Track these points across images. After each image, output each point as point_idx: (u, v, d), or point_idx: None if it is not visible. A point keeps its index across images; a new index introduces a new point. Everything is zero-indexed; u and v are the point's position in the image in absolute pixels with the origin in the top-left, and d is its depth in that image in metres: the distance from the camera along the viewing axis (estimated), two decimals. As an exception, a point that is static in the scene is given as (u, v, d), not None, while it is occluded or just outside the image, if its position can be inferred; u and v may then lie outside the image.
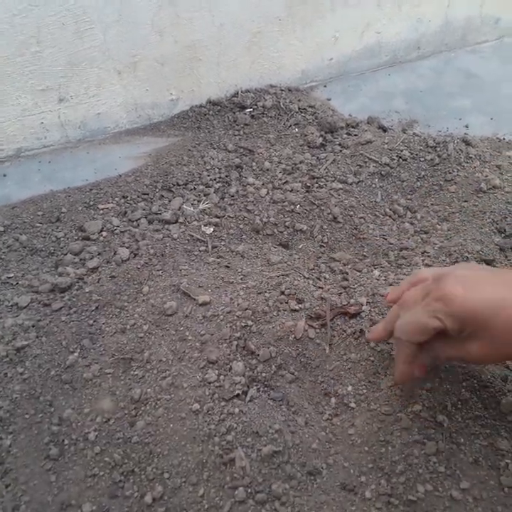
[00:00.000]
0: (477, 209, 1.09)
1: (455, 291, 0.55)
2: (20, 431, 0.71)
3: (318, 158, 1.24)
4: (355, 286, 0.87)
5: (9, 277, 0.95)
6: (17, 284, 0.93)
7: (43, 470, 0.68)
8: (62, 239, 1.04)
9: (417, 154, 1.23)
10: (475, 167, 1.19)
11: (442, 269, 0.61)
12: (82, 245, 1.01)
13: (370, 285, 0.86)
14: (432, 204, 1.14)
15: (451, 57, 1.83)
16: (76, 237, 1.05)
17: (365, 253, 1.02)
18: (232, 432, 0.67)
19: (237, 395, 0.71)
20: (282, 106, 1.44)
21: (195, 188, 1.17)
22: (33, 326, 0.84)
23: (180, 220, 1.07)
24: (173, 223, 1.07)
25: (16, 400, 0.74)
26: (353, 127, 1.36)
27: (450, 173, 1.18)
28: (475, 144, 1.26)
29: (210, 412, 0.69)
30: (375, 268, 0.95)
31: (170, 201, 1.13)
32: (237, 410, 0.69)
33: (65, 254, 1.00)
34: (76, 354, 0.80)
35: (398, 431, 0.67)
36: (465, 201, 1.12)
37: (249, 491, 0.63)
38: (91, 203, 1.13)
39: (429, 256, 0.97)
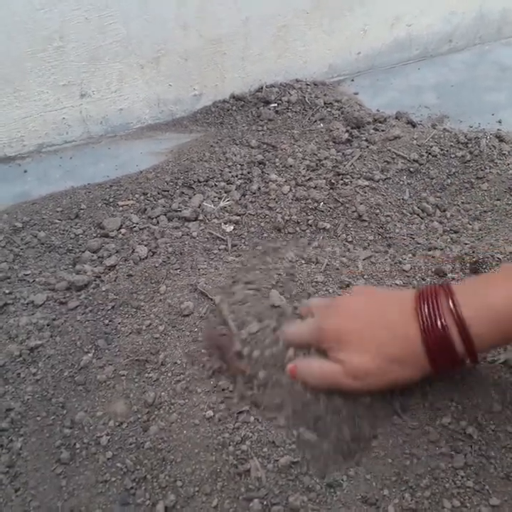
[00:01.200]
0: (510, 208, 1.04)
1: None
2: (32, 433, 0.69)
3: (343, 154, 1.20)
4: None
5: (26, 274, 0.93)
6: (34, 281, 0.92)
7: (53, 474, 0.66)
8: (80, 236, 1.03)
9: (447, 150, 1.18)
10: (508, 164, 1.13)
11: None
12: (101, 242, 1.00)
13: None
14: (462, 202, 1.09)
15: (485, 51, 1.76)
16: (95, 234, 1.03)
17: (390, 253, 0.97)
18: (246, 441, 0.64)
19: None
20: (307, 101, 1.40)
21: (216, 185, 1.14)
22: (48, 325, 0.82)
23: (200, 217, 1.05)
24: (193, 221, 1.04)
25: (27, 401, 0.72)
26: (380, 122, 1.31)
27: (482, 170, 1.13)
28: (509, 139, 1.20)
29: (223, 421, 0.66)
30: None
31: (190, 198, 1.10)
32: (252, 418, 0.66)
33: (83, 252, 0.98)
34: (90, 355, 0.78)
35: (425, 444, 0.63)
36: (497, 200, 1.07)
37: (265, 502, 0.60)
38: (111, 199, 1.11)
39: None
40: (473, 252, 0.93)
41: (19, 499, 0.63)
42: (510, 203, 1.05)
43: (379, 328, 0.60)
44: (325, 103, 1.41)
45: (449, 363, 0.58)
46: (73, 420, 0.70)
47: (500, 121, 1.39)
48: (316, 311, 0.68)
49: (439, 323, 0.56)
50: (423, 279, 0.87)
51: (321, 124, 1.33)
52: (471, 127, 1.36)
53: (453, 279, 0.88)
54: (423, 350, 0.57)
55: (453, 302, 0.56)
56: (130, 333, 0.81)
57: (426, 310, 0.57)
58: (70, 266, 0.96)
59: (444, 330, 0.56)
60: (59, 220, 1.07)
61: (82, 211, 1.09)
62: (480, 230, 1.01)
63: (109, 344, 0.79)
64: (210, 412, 0.67)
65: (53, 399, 0.72)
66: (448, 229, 1.03)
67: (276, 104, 1.41)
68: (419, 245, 0.98)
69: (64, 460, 0.66)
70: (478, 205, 1.08)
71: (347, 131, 1.27)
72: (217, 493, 0.62)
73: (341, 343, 0.61)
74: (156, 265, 0.92)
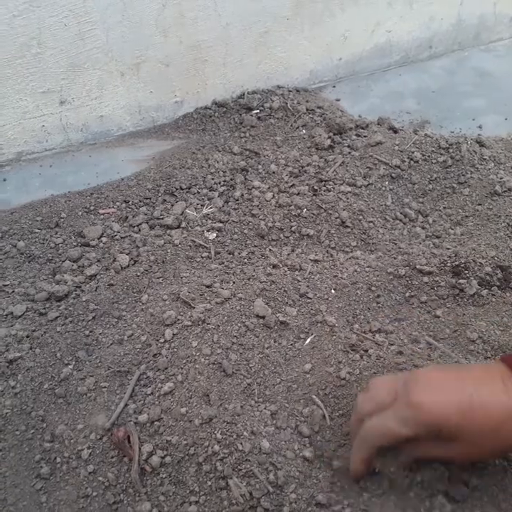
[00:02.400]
0: (492, 212, 1.04)
1: (422, 397, 0.53)
2: (10, 448, 0.68)
3: (326, 160, 1.19)
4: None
5: (5, 285, 0.92)
6: (13, 292, 0.90)
7: (33, 490, 0.64)
8: (60, 245, 1.01)
9: (429, 156, 1.19)
10: (489, 169, 1.14)
11: (404, 375, 0.58)
12: (81, 252, 0.98)
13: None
14: (444, 207, 1.10)
15: (465, 57, 1.78)
16: (75, 244, 1.02)
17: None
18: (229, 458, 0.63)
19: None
20: (290, 107, 1.40)
21: (198, 192, 1.13)
22: (27, 337, 0.81)
23: (183, 225, 1.04)
24: (175, 228, 1.03)
25: (6, 415, 0.70)
26: (362, 128, 1.32)
27: (463, 175, 1.14)
28: (489, 144, 1.21)
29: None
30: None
31: (172, 206, 1.09)
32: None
33: (63, 261, 0.97)
34: (71, 366, 0.76)
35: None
36: (479, 204, 1.08)
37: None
38: (91, 207, 1.10)
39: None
40: (456, 256, 0.93)
41: (-3, 517, 0.62)
42: (491, 207, 1.06)
43: (485, 405, 0.52)
44: (307, 109, 1.41)
45: None
46: (53, 434, 0.68)
47: (480, 127, 1.41)
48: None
49: None
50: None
51: (304, 131, 1.33)
52: (452, 132, 1.38)
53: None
54: None
55: None
56: (111, 343, 0.79)
57: None
58: (50, 276, 0.95)
59: None
60: (39, 229, 1.05)
61: (62, 220, 1.07)
62: (462, 234, 1.02)
63: (89, 355, 0.78)
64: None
65: (33, 412, 0.71)
66: (430, 234, 1.03)
67: (258, 111, 1.40)
68: (401, 250, 0.98)
69: (44, 475, 0.65)
70: (459, 210, 1.08)
71: (329, 137, 1.27)
72: (201, 507, 0.61)
73: (450, 433, 0.52)
74: (138, 274, 0.91)
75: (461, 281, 0.89)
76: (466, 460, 0.57)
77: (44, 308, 0.86)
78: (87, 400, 0.72)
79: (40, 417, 0.71)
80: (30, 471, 0.66)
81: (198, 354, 0.75)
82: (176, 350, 0.76)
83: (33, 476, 0.65)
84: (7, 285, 0.92)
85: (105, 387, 0.73)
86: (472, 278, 0.90)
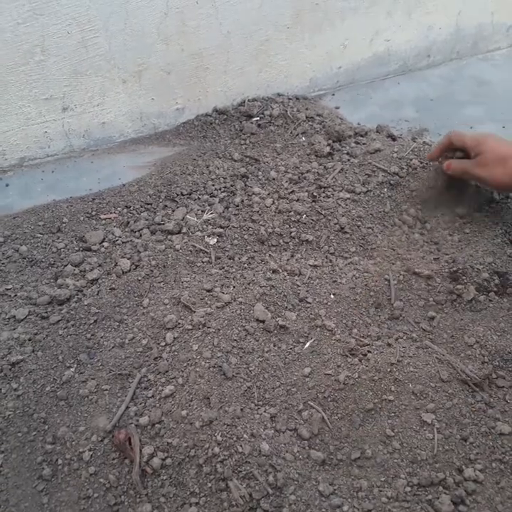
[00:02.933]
0: (489, 219, 1.06)
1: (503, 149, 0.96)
2: (13, 450, 0.68)
3: (325, 167, 1.21)
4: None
5: (7, 289, 0.93)
6: (15, 296, 0.91)
7: (35, 491, 0.65)
8: (62, 250, 1.02)
9: (427, 163, 1.20)
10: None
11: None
12: (83, 256, 0.99)
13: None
14: (442, 214, 1.11)
15: (462, 65, 1.80)
16: (77, 248, 1.03)
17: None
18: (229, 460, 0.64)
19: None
20: (289, 114, 1.42)
21: (199, 198, 1.14)
22: (30, 340, 0.81)
23: (184, 230, 1.05)
24: (176, 234, 1.04)
25: (8, 417, 0.71)
26: (361, 136, 1.33)
27: (461, 182, 1.15)
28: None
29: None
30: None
31: (173, 211, 1.10)
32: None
33: (65, 266, 0.98)
34: (72, 369, 0.77)
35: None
36: (476, 211, 1.09)
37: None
38: (93, 212, 1.11)
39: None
40: (454, 262, 0.94)
41: (0, 517, 0.63)
42: (488, 214, 1.07)
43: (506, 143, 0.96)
44: (307, 117, 1.42)
45: None
46: (55, 436, 0.69)
47: (478, 135, 1.42)
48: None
49: None
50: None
51: (303, 138, 1.34)
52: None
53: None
54: None
55: None
56: (113, 347, 0.80)
57: None
58: (52, 280, 0.96)
59: None
60: (41, 233, 1.06)
61: (64, 225, 1.08)
62: (460, 241, 1.03)
63: (91, 358, 0.79)
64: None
65: (35, 414, 0.72)
66: (428, 241, 1.04)
67: (258, 118, 1.42)
68: (399, 256, 0.99)
69: (46, 476, 0.66)
70: (457, 217, 1.09)
71: (328, 144, 1.28)
72: (201, 509, 0.61)
73: (481, 148, 0.97)
74: (139, 278, 0.92)
75: (458, 286, 0.90)
76: (491, 183, 0.99)
77: (46, 312, 0.87)
78: (89, 403, 0.73)
79: (42, 419, 0.71)
80: (32, 472, 0.67)
81: (198, 357, 0.76)
82: (176, 353, 0.77)
83: (34, 477, 0.66)
84: (9, 289, 0.93)
85: (107, 389, 0.74)
86: (470, 284, 0.91)
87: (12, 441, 0.69)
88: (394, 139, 1.33)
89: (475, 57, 1.84)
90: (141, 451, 0.65)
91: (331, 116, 1.46)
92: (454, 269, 0.93)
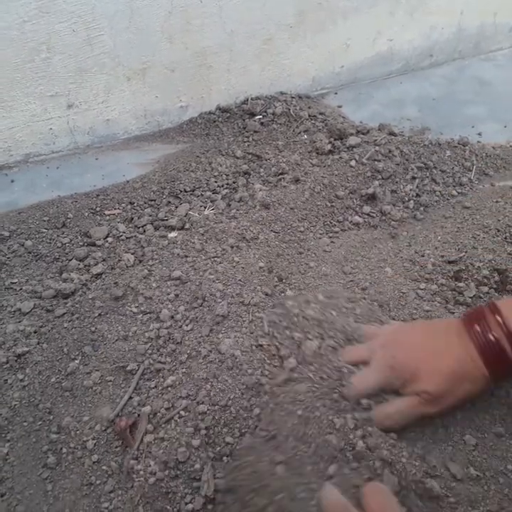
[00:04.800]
0: (490, 217, 1.07)
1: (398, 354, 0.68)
2: (18, 439, 0.70)
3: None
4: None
5: (13, 283, 0.94)
6: (20, 289, 0.93)
7: (39, 479, 0.66)
8: (67, 244, 1.03)
9: (428, 162, 1.21)
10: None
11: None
12: (87, 251, 1.01)
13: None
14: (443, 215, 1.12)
15: (465, 65, 1.81)
16: (81, 243, 1.04)
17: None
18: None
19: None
20: (292, 113, 1.43)
21: (202, 195, 1.16)
22: (35, 332, 0.83)
23: (187, 226, 1.06)
24: (179, 229, 1.06)
25: (15, 407, 0.73)
26: (363, 134, 1.34)
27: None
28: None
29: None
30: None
31: (176, 207, 1.12)
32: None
33: (70, 260, 0.99)
34: (77, 361, 0.79)
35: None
36: (477, 209, 1.10)
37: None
38: (97, 208, 1.13)
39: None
40: (456, 261, 0.95)
41: (5, 504, 0.64)
42: (490, 212, 1.08)
43: (441, 355, 0.66)
44: (309, 115, 1.43)
45: (506, 371, 0.64)
46: (60, 425, 0.71)
47: (480, 134, 1.43)
48: (374, 351, 0.70)
49: (491, 336, 0.63)
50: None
51: (305, 136, 1.35)
52: (452, 139, 1.40)
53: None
54: (482, 363, 0.63)
55: (501, 317, 0.64)
56: (116, 339, 0.82)
57: (478, 328, 0.65)
58: (57, 274, 0.97)
59: (497, 342, 0.63)
60: (46, 229, 1.07)
61: (68, 220, 1.10)
62: (461, 239, 1.04)
63: (95, 351, 0.80)
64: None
65: (40, 404, 0.73)
66: (432, 238, 1.05)
67: (261, 116, 1.43)
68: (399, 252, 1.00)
69: (50, 465, 0.67)
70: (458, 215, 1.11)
71: (330, 142, 1.29)
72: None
73: (414, 375, 0.66)
74: (143, 273, 0.93)
75: (459, 284, 0.91)
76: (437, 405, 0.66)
77: (51, 306, 0.89)
78: (93, 393, 0.74)
79: (47, 409, 0.73)
80: (37, 460, 0.68)
81: (199, 349, 0.77)
82: (179, 345, 0.79)
83: (39, 465, 0.68)
84: (15, 283, 0.94)
85: (110, 381, 0.75)
86: (470, 281, 0.92)
87: (18, 430, 0.70)
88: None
89: (477, 57, 1.85)
90: (142, 438, 0.67)
91: (334, 114, 1.47)
92: (456, 269, 0.94)
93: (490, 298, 0.90)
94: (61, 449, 0.69)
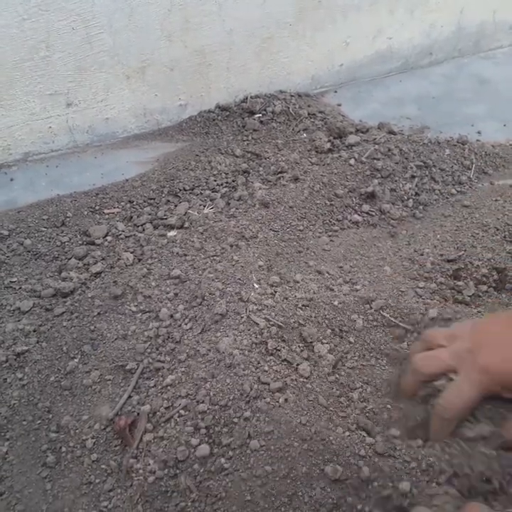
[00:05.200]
0: (489, 216, 1.07)
1: (492, 360, 0.59)
2: (18, 438, 0.70)
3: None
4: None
5: (12, 281, 0.94)
6: (20, 288, 0.93)
7: (39, 477, 0.67)
8: (66, 243, 1.03)
9: (427, 160, 1.21)
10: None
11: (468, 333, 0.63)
12: (87, 250, 1.01)
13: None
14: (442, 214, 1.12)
15: (464, 63, 1.81)
16: (80, 242, 1.04)
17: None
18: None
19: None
20: (291, 111, 1.43)
21: (201, 193, 1.16)
22: (34, 331, 0.83)
23: (186, 225, 1.06)
24: (179, 228, 1.06)
25: (14, 406, 0.73)
26: (363, 132, 1.34)
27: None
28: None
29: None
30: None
31: (176, 206, 1.12)
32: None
33: (69, 259, 0.99)
34: (76, 360, 0.79)
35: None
36: (476, 208, 1.10)
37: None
38: (97, 207, 1.13)
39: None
40: (455, 260, 0.95)
41: (4, 503, 0.64)
42: (489, 211, 1.08)
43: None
44: (309, 114, 1.43)
45: None
46: (59, 424, 0.71)
47: (479, 132, 1.43)
48: (461, 357, 0.62)
49: None
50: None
51: (305, 134, 1.35)
52: (452, 138, 1.40)
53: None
54: None
55: None
56: (116, 338, 0.82)
57: None
58: (56, 273, 0.97)
59: None
60: (45, 227, 1.07)
61: (68, 219, 1.10)
62: (460, 238, 1.04)
63: (95, 349, 0.80)
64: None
65: (39, 403, 0.73)
66: (431, 237, 1.05)
67: (260, 115, 1.43)
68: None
69: (50, 463, 0.67)
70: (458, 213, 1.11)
71: (329, 141, 1.29)
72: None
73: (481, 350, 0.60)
74: (142, 271, 0.93)
75: (459, 283, 0.91)
76: None
77: (50, 304, 0.89)
78: (92, 392, 0.74)
79: (47, 408, 0.73)
80: (36, 459, 0.68)
81: (198, 348, 0.77)
82: (178, 344, 0.79)
83: (39, 464, 0.68)
84: (14, 281, 0.94)
85: (110, 380, 0.75)
86: (469, 279, 0.92)
87: (17, 429, 0.70)
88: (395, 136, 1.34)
89: (477, 55, 1.85)
90: (142, 437, 0.67)
91: (333, 113, 1.47)
92: (456, 267, 0.94)
93: (489, 297, 0.90)
94: (60, 448, 0.69)
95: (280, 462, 0.61)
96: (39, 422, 0.71)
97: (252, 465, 0.62)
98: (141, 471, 0.64)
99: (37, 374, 0.76)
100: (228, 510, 0.59)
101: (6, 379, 0.76)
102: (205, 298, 0.85)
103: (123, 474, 0.65)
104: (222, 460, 0.63)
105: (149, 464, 0.64)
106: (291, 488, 0.60)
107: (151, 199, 1.15)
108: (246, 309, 0.83)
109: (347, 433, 0.64)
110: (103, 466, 0.66)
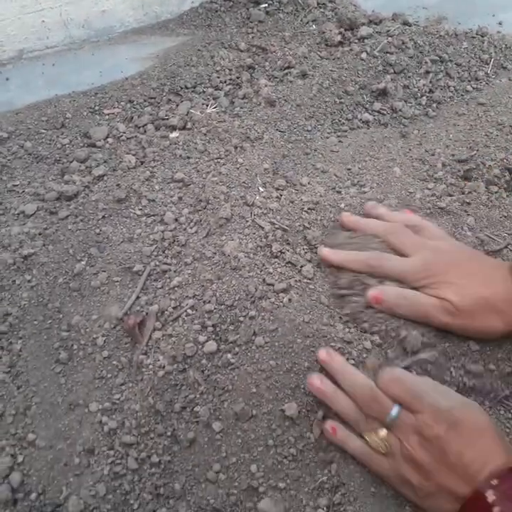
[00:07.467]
0: (505, 114, 1.02)
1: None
2: (30, 336, 0.72)
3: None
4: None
5: (15, 185, 0.93)
6: (23, 192, 0.92)
7: (53, 373, 0.69)
8: (67, 146, 1.01)
9: (443, 54, 1.14)
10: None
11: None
12: (88, 152, 0.98)
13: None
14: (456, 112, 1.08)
15: None
16: (81, 144, 1.01)
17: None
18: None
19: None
20: (299, 1, 1.34)
21: (203, 91, 1.11)
22: (40, 234, 0.83)
23: (188, 125, 1.02)
24: (181, 129, 1.02)
25: (24, 306, 0.74)
26: (375, 24, 1.26)
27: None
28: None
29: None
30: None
31: (177, 105, 1.08)
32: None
33: (71, 162, 0.97)
34: (83, 262, 0.79)
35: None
36: (492, 105, 1.05)
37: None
38: (96, 107, 1.09)
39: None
40: (467, 160, 0.93)
41: (21, 395, 0.67)
42: (505, 110, 1.04)
43: (479, 277, 0.63)
44: (318, 3, 1.34)
45: None
46: (70, 323, 0.73)
47: (500, 23, 1.34)
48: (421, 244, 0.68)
49: None
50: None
51: (314, 26, 1.27)
52: (470, 29, 1.31)
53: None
54: None
55: None
56: (121, 241, 0.82)
57: None
58: (59, 176, 0.95)
59: None
60: (45, 129, 1.04)
61: (67, 120, 1.06)
62: (473, 138, 1.00)
63: (101, 252, 0.80)
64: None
65: (49, 304, 0.75)
66: (443, 137, 1.02)
67: (266, 5, 1.34)
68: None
69: (62, 360, 0.70)
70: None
71: (340, 33, 1.21)
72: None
73: (444, 279, 0.63)
74: (145, 174, 0.92)
75: (469, 184, 0.89)
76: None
77: (54, 208, 0.88)
78: (101, 293, 0.75)
79: (57, 308, 0.74)
80: (49, 356, 0.70)
81: (204, 251, 0.78)
82: (184, 247, 0.79)
83: (52, 361, 0.70)
84: (17, 185, 0.93)
85: (117, 281, 0.76)
86: (480, 180, 0.90)
87: (29, 328, 0.73)
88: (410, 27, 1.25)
89: None
90: (151, 335, 0.69)
91: (344, 2, 1.37)
92: (467, 168, 0.91)
93: (499, 198, 0.88)
94: (72, 345, 0.71)
95: (284, 357, 0.64)
96: (50, 321, 0.73)
97: (257, 360, 0.64)
98: (151, 366, 0.67)
99: (45, 276, 0.77)
100: (235, 401, 0.62)
101: (14, 281, 0.77)
102: (210, 202, 0.84)
103: (134, 369, 0.68)
104: (229, 355, 0.66)
105: (159, 360, 0.67)
106: (294, 381, 0.63)
107: (152, 98, 1.10)
108: (251, 213, 0.82)
109: (346, 329, 0.67)
110: (114, 363, 0.68)
